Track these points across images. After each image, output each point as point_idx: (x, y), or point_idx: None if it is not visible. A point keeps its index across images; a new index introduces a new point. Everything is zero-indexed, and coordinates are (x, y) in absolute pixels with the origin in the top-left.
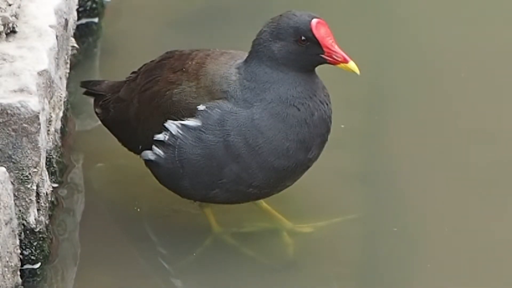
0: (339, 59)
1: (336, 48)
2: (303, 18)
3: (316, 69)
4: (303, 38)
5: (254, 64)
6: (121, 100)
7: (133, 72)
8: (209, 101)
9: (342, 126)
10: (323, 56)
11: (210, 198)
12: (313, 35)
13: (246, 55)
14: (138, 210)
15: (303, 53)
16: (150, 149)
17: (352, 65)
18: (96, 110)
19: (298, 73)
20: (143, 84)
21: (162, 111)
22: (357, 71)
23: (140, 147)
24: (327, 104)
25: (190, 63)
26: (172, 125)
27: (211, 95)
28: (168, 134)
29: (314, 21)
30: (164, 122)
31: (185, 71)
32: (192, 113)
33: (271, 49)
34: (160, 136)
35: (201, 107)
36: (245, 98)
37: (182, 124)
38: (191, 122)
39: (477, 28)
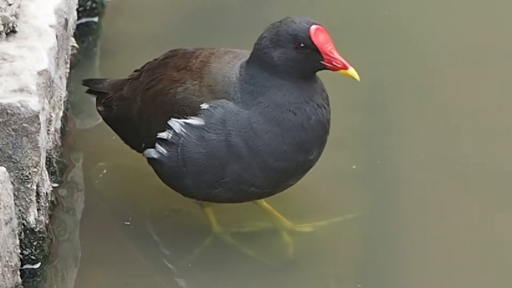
0: (339, 66)
1: (335, 54)
2: (302, 25)
3: None
4: (302, 45)
5: (254, 68)
6: (124, 98)
7: (136, 70)
8: (212, 100)
9: (354, 167)
10: (322, 62)
11: (213, 197)
12: (312, 42)
13: (250, 53)
14: (129, 224)
15: (303, 60)
16: (153, 147)
17: (351, 71)
18: (99, 108)
19: (297, 79)
20: (146, 82)
21: (165, 109)
22: (357, 77)
23: (143, 145)
24: (324, 108)
25: (194, 61)
26: (175, 124)
27: (214, 94)
28: (171, 132)
29: (313, 28)
30: (168, 120)
31: (189, 70)
32: (195, 112)
33: (271, 55)
34: (163, 135)
35: (204, 106)
36: (244, 100)
37: (185, 123)
38: (194, 120)
39: (478, 29)
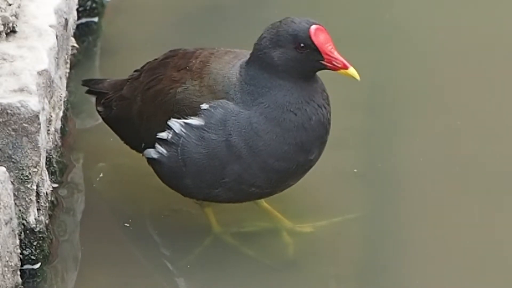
0: (339, 65)
1: (335, 54)
2: (302, 25)
3: None
4: (302, 45)
5: (254, 68)
6: (124, 98)
7: (136, 70)
8: (212, 100)
9: (355, 170)
10: (323, 62)
11: (212, 197)
12: (312, 42)
13: (250, 53)
14: (129, 225)
15: (303, 60)
16: (153, 147)
17: (351, 71)
18: (98, 108)
19: (297, 79)
20: (146, 82)
21: (165, 109)
22: (357, 77)
23: (143, 145)
24: (325, 108)
25: (194, 61)
26: (175, 124)
27: (214, 94)
28: (171, 132)
29: (313, 27)
30: (168, 121)
31: (189, 70)
32: (195, 112)
33: (271, 56)
34: (163, 135)
35: (204, 106)
36: (244, 101)
37: (185, 123)
38: (194, 120)
39: (478, 29)
